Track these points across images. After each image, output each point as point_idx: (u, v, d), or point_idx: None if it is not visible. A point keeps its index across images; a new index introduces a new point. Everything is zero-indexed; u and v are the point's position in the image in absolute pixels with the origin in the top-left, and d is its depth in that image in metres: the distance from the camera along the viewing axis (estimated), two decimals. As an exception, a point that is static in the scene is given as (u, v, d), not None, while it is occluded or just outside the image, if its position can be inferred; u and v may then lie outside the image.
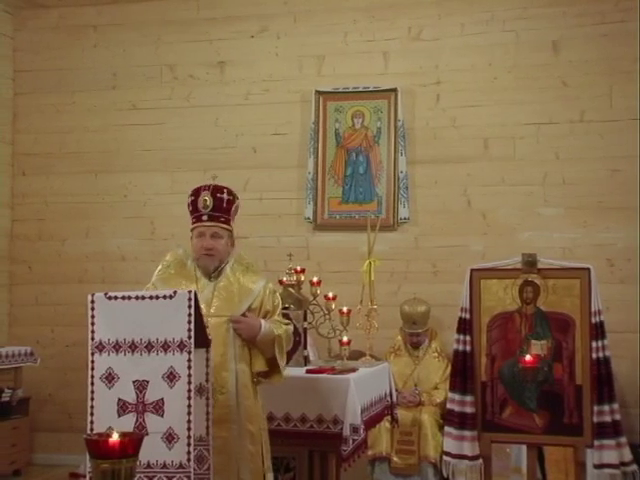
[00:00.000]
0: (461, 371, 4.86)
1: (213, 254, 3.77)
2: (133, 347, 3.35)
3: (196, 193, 3.83)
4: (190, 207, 3.85)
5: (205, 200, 3.78)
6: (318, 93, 6.78)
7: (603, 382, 4.63)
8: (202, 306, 3.52)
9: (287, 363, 4.48)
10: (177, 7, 7.12)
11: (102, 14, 7.25)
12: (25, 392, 6.68)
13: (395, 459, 5.88)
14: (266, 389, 4.02)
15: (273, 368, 3.80)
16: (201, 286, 3.73)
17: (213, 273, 3.79)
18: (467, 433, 4.81)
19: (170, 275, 3.83)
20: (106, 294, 3.42)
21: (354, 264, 5.90)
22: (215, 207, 3.79)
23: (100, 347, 3.38)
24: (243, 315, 3.71)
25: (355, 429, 4.08)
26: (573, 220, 6.36)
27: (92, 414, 3.33)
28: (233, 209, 3.88)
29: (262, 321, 3.72)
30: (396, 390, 5.19)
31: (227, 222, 3.85)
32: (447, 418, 4.97)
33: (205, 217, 3.79)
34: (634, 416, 6.04)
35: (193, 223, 3.84)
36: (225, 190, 3.86)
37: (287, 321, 3.95)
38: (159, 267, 3.89)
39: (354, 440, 4.07)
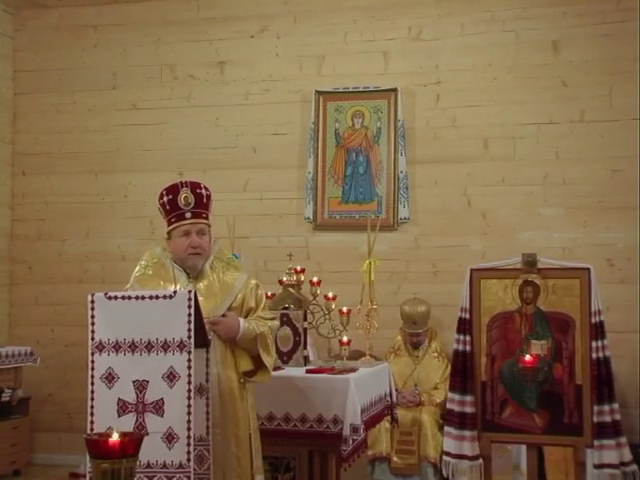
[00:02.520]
0: (461, 371, 4.85)
1: (200, 252, 3.65)
2: (133, 347, 3.36)
3: (174, 191, 3.67)
4: (167, 206, 3.68)
5: (186, 197, 3.64)
6: (318, 93, 6.78)
7: (603, 382, 4.62)
8: None
9: (287, 363, 4.51)
10: (177, 7, 7.12)
11: (102, 14, 7.25)
12: (25, 392, 6.69)
13: (395, 459, 5.88)
14: (266, 389, 4.02)
15: (259, 366, 3.69)
16: (180, 287, 3.60)
17: (192, 272, 3.67)
18: (467, 433, 4.80)
19: (148, 276, 3.72)
20: (106, 294, 3.42)
21: (354, 264, 5.90)
22: (197, 203, 3.65)
23: (100, 347, 3.38)
24: (223, 315, 3.60)
25: (355, 429, 4.07)
26: (573, 220, 6.36)
27: (92, 414, 3.33)
28: (211, 204, 3.76)
29: (241, 320, 3.60)
30: (396, 390, 5.19)
31: (208, 218, 3.72)
32: (447, 418, 4.96)
33: (188, 214, 3.64)
34: (634, 416, 6.05)
35: (173, 222, 3.67)
36: (202, 185, 3.73)
37: (271, 315, 3.81)
38: (137, 267, 3.77)
39: (354, 440, 4.07)
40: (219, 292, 3.67)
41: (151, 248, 3.84)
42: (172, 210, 3.69)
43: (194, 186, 3.71)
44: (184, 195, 3.66)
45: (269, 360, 3.67)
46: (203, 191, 3.72)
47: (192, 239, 3.65)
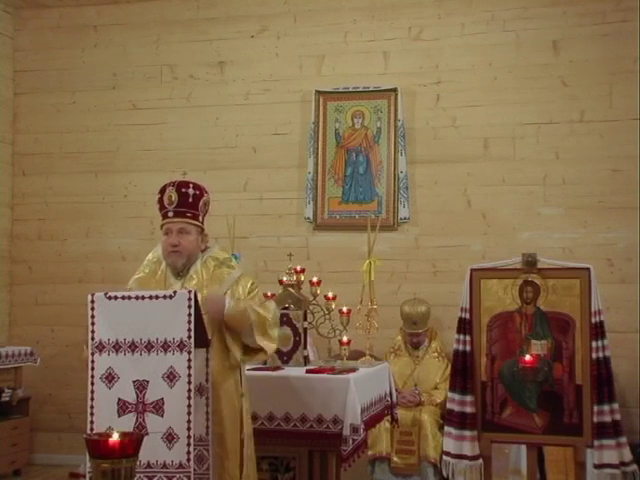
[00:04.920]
0: (461, 371, 4.85)
1: (179, 251, 3.67)
2: (133, 347, 3.36)
3: (162, 190, 3.76)
4: (157, 205, 3.78)
5: (170, 196, 3.70)
6: (318, 93, 6.78)
7: (603, 382, 4.62)
8: None
9: (287, 363, 4.50)
10: (177, 7, 7.12)
11: (102, 14, 7.25)
12: (25, 392, 6.69)
13: (395, 459, 5.88)
14: (266, 389, 4.02)
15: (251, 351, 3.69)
16: (168, 286, 3.64)
17: (182, 271, 3.71)
18: (467, 433, 4.80)
19: (144, 276, 3.79)
20: (106, 294, 3.42)
21: (354, 264, 5.90)
22: (180, 202, 3.70)
23: (100, 347, 3.38)
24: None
25: (355, 429, 4.07)
26: (573, 220, 6.36)
27: (92, 414, 3.33)
28: (201, 204, 3.77)
29: (227, 297, 3.59)
30: (396, 390, 5.19)
31: (195, 217, 3.74)
32: (447, 418, 4.96)
33: (171, 213, 3.70)
34: (634, 416, 6.05)
35: (161, 221, 3.76)
36: (191, 185, 3.76)
37: (265, 300, 3.81)
38: (140, 267, 3.85)
39: (354, 440, 4.06)
40: (206, 288, 3.66)
41: (156, 247, 3.89)
42: (160, 209, 3.78)
43: (181, 185, 3.74)
44: (168, 194, 3.72)
45: (268, 344, 3.64)
46: (190, 190, 3.74)
47: (171, 238, 3.69)
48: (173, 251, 3.68)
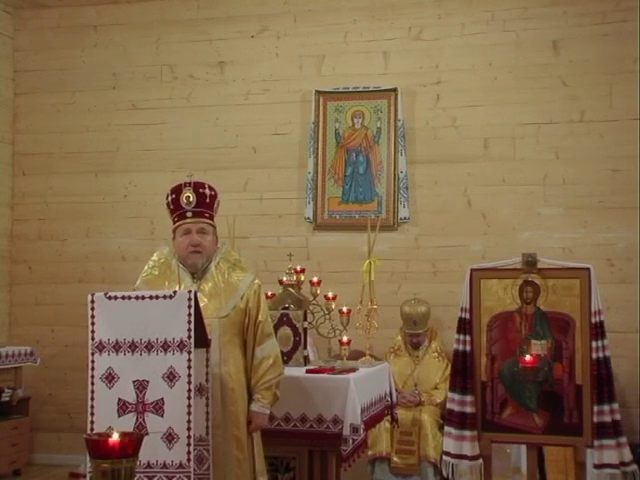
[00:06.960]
0: (461, 371, 4.85)
1: (200, 250, 3.70)
2: (133, 347, 3.36)
3: (177, 191, 3.75)
4: (171, 206, 3.77)
5: (188, 196, 3.71)
6: (318, 93, 6.78)
7: (603, 382, 4.63)
8: None
9: (287, 363, 4.51)
10: (177, 7, 7.12)
11: (102, 14, 7.25)
12: (25, 392, 6.69)
13: (395, 459, 5.88)
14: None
15: None
16: (184, 287, 3.62)
17: (197, 273, 3.71)
18: (467, 433, 4.80)
19: (154, 277, 3.77)
20: (106, 294, 3.43)
21: (354, 264, 5.90)
22: (199, 203, 3.72)
23: (100, 347, 3.38)
24: (228, 315, 3.65)
25: (355, 429, 4.07)
26: (573, 220, 6.36)
27: (92, 414, 3.34)
28: (216, 205, 3.81)
29: (266, 407, 3.73)
30: (396, 390, 5.19)
31: (211, 218, 3.78)
32: (447, 418, 4.96)
33: (189, 213, 3.71)
34: (634, 416, 6.05)
35: (176, 222, 3.75)
36: (206, 186, 3.79)
37: (270, 329, 3.83)
38: (145, 268, 3.83)
39: (354, 440, 4.06)
40: (224, 293, 3.69)
41: (160, 248, 3.90)
42: (175, 209, 3.76)
43: (197, 186, 3.76)
44: (186, 194, 3.72)
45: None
46: (207, 191, 3.77)
47: (192, 237, 3.70)
48: (195, 251, 3.69)
